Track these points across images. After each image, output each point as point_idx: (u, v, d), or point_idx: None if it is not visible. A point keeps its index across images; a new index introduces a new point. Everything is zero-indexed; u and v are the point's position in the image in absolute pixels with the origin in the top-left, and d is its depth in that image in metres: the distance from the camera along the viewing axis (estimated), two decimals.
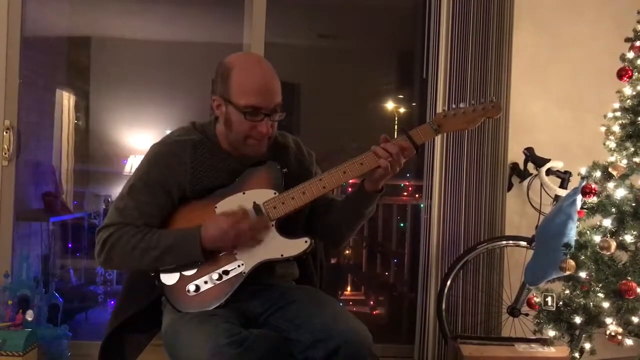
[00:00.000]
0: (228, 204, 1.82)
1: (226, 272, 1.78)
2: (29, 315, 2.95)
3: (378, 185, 1.84)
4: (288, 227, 1.84)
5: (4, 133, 3.14)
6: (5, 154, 3.14)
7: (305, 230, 1.95)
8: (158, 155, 1.86)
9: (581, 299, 2.32)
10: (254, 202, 1.81)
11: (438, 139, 3.23)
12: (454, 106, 1.84)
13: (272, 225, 1.80)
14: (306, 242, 1.80)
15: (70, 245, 5.00)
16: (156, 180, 1.82)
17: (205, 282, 1.78)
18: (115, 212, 1.82)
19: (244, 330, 1.69)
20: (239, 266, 1.79)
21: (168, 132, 1.97)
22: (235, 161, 1.88)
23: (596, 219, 2.39)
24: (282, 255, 1.81)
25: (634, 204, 2.30)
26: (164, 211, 1.84)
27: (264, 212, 1.80)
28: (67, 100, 5.33)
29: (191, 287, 1.78)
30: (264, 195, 1.82)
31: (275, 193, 1.82)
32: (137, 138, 5.53)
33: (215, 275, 1.78)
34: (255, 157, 1.87)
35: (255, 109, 1.78)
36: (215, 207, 1.82)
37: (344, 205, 1.94)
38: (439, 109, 3.23)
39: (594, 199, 2.36)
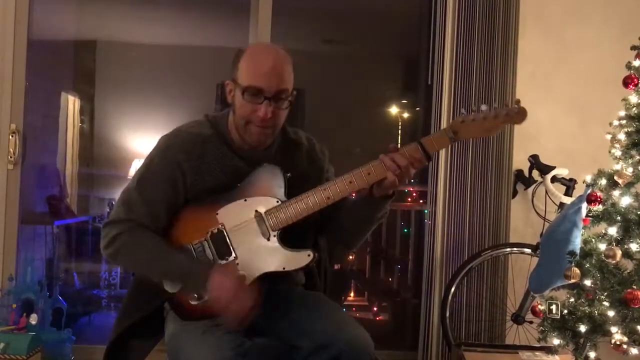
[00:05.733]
0: (230, 210, 1.79)
1: None
2: (33, 319, 2.95)
3: (387, 191, 1.80)
4: (293, 233, 1.80)
5: (10, 137, 3.14)
6: (10, 157, 3.14)
7: (316, 231, 1.93)
8: (167, 148, 1.84)
9: (586, 308, 2.30)
10: (256, 211, 1.77)
11: None
12: (474, 109, 1.71)
13: (275, 235, 1.76)
14: (309, 255, 1.76)
15: (74, 249, 5.01)
16: (163, 175, 1.81)
17: None
18: (122, 206, 1.81)
19: (247, 340, 1.68)
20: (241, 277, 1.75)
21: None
22: (242, 161, 1.85)
23: (601, 227, 2.38)
24: (284, 268, 1.77)
25: (639, 213, 2.29)
26: (171, 207, 1.82)
27: (266, 221, 1.77)
28: (72, 103, 5.35)
29: (194, 295, 1.75)
30: (266, 203, 1.78)
31: (277, 201, 1.77)
32: (141, 142, 5.54)
33: None
34: (259, 148, 1.83)
35: (256, 89, 1.75)
36: (217, 214, 1.79)
37: (354, 209, 1.89)
38: (444, 115, 3.23)
39: (599, 207, 2.34)
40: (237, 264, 1.76)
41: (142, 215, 1.79)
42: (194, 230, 1.79)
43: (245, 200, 1.79)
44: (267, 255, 1.76)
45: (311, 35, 5.31)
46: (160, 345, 1.98)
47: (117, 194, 5.34)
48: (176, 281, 1.76)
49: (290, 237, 1.79)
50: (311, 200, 1.75)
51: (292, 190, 1.80)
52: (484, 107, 1.71)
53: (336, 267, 4.80)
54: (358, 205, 1.88)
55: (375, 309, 4.81)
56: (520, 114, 1.72)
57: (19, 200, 3.19)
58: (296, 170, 1.86)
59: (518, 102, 1.74)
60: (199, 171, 1.81)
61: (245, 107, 1.77)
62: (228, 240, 1.78)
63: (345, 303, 4.82)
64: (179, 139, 1.85)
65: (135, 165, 5.42)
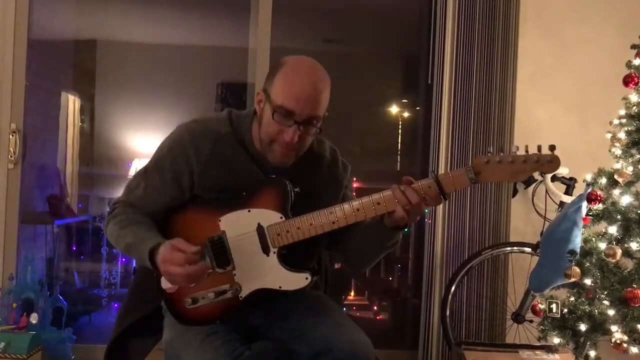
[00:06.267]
0: (232, 218, 1.75)
1: (223, 292, 1.73)
2: (33, 318, 2.96)
3: (398, 223, 1.68)
4: (295, 250, 1.74)
5: (10, 136, 3.15)
6: (11, 156, 3.15)
7: (320, 251, 1.91)
8: (178, 141, 1.81)
9: (586, 306, 2.31)
10: (259, 224, 1.72)
11: (442, 141, 3.22)
12: (495, 151, 1.62)
13: (274, 252, 1.72)
14: (306, 279, 1.71)
15: (74, 248, 5.01)
16: (169, 168, 1.79)
17: (203, 298, 1.73)
18: (126, 190, 1.85)
19: (245, 349, 1.68)
20: (236, 289, 1.73)
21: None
22: (256, 165, 1.80)
23: (601, 226, 2.39)
24: (280, 287, 1.73)
25: (639, 211, 2.29)
26: (173, 199, 1.81)
27: (267, 236, 1.72)
28: (72, 103, 5.35)
29: (189, 300, 1.74)
30: (270, 217, 1.72)
31: (281, 217, 1.71)
32: (142, 141, 5.54)
33: (211, 294, 1.73)
34: (278, 167, 1.77)
35: (287, 112, 1.68)
36: (220, 220, 1.76)
37: (364, 233, 1.80)
38: (444, 115, 3.23)
39: (599, 206, 2.35)
40: (235, 274, 1.74)
41: (138, 200, 1.81)
42: (195, 232, 1.75)
43: (249, 210, 1.74)
44: (264, 271, 1.73)
45: (311, 35, 5.30)
46: (160, 344, 1.98)
47: (117, 193, 5.35)
48: (131, 253, 1.76)
49: (292, 254, 1.74)
50: (316, 223, 1.69)
51: (305, 203, 1.73)
52: (513, 149, 1.60)
53: (336, 266, 4.80)
54: (369, 229, 1.79)
55: (375, 308, 4.81)
56: (552, 163, 1.60)
57: (19, 199, 3.20)
58: (313, 184, 1.81)
59: (553, 148, 1.61)
60: (209, 167, 1.77)
61: (273, 126, 1.70)
62: (228, 249, 1.74)
63: (345, 302, 4.82)
64: (192, 132, 1.81)
65: (136, 165, 5.42)
